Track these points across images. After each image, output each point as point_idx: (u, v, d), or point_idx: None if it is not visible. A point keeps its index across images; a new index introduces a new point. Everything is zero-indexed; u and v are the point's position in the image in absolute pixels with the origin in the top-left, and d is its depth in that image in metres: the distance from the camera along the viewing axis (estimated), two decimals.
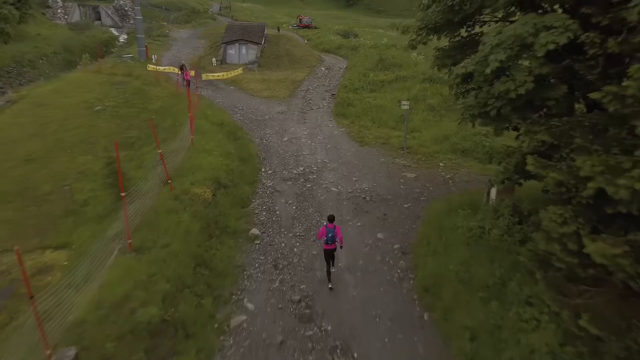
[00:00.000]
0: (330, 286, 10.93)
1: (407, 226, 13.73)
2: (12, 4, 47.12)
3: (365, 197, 15.70)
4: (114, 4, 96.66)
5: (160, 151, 13.89)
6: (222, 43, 41.89)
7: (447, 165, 18.57)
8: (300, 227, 13.89)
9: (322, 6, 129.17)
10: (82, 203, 14.43)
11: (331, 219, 10.69)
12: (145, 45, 42.84)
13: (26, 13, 54.38)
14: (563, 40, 7.56)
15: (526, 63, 8.57)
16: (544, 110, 9.51)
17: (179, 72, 32.24)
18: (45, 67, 48.91)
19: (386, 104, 26.72)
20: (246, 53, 41.29)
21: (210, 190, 14.60)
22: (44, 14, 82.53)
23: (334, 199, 15.70)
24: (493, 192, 12.49)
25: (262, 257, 12.34)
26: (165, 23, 79.47)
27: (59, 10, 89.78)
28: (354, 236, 13.25)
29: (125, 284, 9.29)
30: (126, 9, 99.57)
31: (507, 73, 8.74)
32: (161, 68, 34.12)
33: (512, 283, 8.98)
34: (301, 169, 18.37)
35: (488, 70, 8.50)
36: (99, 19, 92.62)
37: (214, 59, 39.08)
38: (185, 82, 31.33)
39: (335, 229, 10.49)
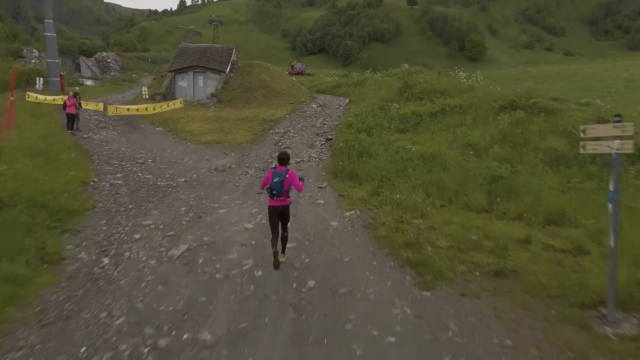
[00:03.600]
0: (279, 259, 6.17)
1: None
2: None
3: None
4: (96, 56, 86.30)
5: None
6: (168, 71, 27.70)
7: None
8: None
9: (318, 65, 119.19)
10: None
11: (283, 158, 6.18)
12: (61, 75, 28.77)
13: None
14: None
15: None
16: None
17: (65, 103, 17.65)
18: None
19: (442, 152, 11.58)
20: (204, 85, 26.97)
21: None
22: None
23: None
24: None
25: None
26: (146, 73, 68.25)
27: (33, 61, 79.10)
28: None
29: None
30: (108, 60, 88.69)
31: None
32: (42, 97, 19.56)
33: None
34: None
35: None
36: (79, 70, 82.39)
37: (144, 89, 24.51)
38: (66, 119, 16.77)
39: (287, 173, 6.01)
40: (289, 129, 19.28)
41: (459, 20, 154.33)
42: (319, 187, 10.70)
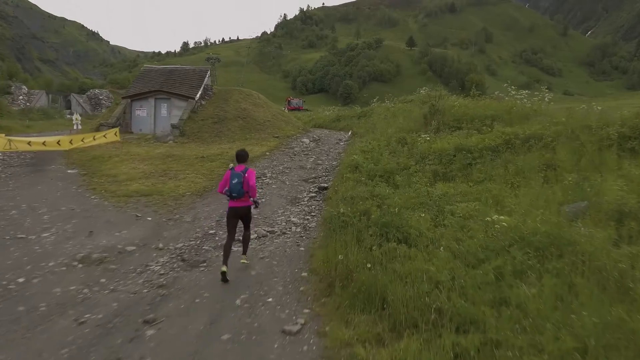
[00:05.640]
0: (223, 269, 5.21)
1: None
2: None
3: None
4: (88, 94, 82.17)
5: None
6: (123, 97, 21.74)
7: None
8: None
9: (318, 103, 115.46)
10: None
11: (242, 155, 5.67)
12: None
13: None
14: None
15: None
16: None
17: None
18: None
19: (567, 230, 5.07)
20: (167, 114, 20.88)
21: None
22: None
23: None
24: None
25: None
26: None
27: (21, 97, 75.42)
28: None
29: None
30: (100, 97, 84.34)
31: None
32: None
33: None
34: None
35: None
36: (70, 107, 78.45)
37: (75, 117, 18.20)
38: None
39: (246, 172, 5.48)
40: (265, 171, 12.86)
41: (458, 61, 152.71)
42: (284, 333, 4.03)
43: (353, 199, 6.74)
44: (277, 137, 18.94)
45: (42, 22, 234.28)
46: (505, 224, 5.16)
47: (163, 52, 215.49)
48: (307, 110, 54.74)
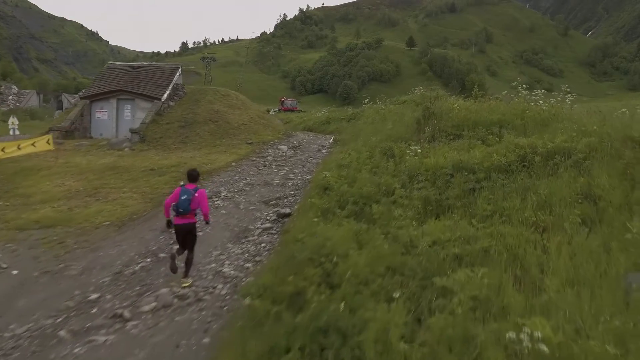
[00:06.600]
0: (183, 285, 5.29)
1: None
2: None
3: None
4: (80, 93, 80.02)
5: None
6: (81, 98, 19.40)
7: None
8: None
9: (317, 104, 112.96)
10: None
11: (193, 175, 5.71)
12: None
13: None
14: None
15: None
16: None
17: None
18: None
19: None
20: (132, 117, 18.43)
21: None
22: None
23: None
24: None
25: None
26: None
27: (10, 97, 73.76)
28: None
29: None
30: None
31: None
32: None
33: None
34: None
35: None
36: (62, 107, 77.02)
37: (11, 121, 15.50)
38: None
39: (196, 192, 5.48)
40: (221, 189, 10.40)
41: (458, 61, 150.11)
42: None
43: (289, 261, 4.23)
44: (250, 143, 16.48)
45: (41, 22, 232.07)
46: (546, 348, 2.66)
47: (162, 52, 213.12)
48: (301, 111, 52.36)
